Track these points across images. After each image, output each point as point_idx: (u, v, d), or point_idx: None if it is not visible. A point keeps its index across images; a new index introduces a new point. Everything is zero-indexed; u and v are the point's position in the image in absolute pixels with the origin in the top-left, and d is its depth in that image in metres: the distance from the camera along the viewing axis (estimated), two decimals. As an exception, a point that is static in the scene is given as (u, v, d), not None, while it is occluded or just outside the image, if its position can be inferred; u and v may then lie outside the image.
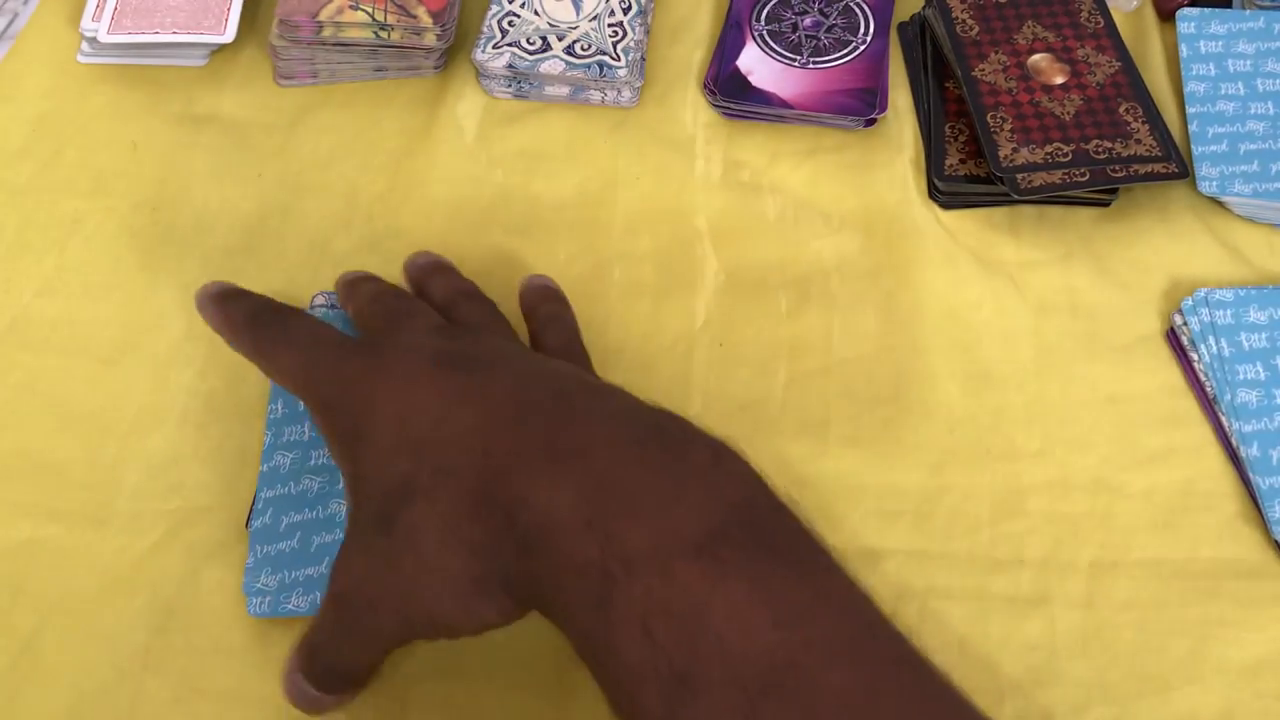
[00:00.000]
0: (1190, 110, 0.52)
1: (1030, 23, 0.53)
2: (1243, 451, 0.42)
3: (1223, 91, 0.52)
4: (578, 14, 0.53)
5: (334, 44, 0.52)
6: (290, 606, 0.38)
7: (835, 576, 0.29)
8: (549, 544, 0.29)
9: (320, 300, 0.45)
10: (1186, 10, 0.54)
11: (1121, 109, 0.50)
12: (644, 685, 0.27)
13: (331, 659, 0.33)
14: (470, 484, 0.30)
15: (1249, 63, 0.52)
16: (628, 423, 0.31)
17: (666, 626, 0.27)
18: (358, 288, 0.41)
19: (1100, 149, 0.48)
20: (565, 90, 0.53)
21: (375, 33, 0.51)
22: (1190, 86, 0.52)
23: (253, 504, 0.40)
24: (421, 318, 0.38)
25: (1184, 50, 0.53)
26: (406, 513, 0.31)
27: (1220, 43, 0.53)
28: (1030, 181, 0.47)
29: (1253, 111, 0.51)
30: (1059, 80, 0.51)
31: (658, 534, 0.28)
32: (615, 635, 0.27)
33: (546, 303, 0.43)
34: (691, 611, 0.26)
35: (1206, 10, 0.54)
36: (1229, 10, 0.54)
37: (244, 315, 0.38)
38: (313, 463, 0.41)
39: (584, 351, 0.41)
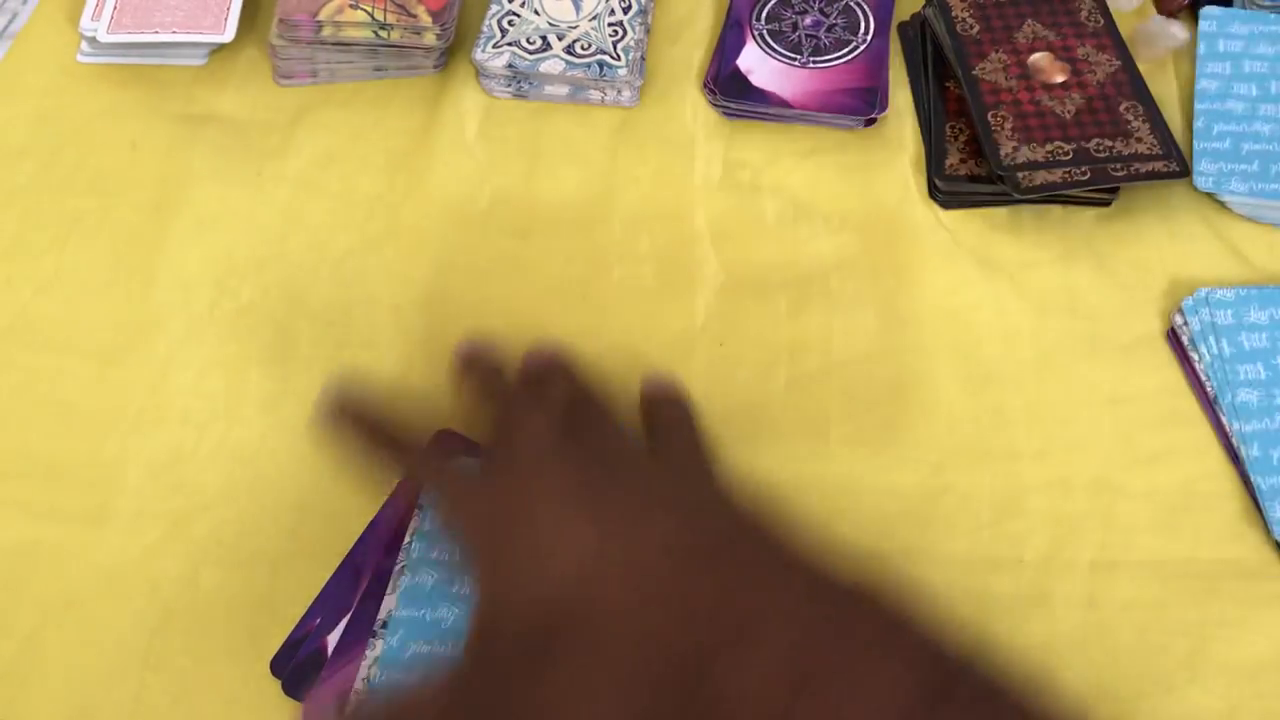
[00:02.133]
0: (1199, 106, 0.51)
1: (1030, 21, 0.53)
2: (1243, 451, 0.42)
3: (1234, 91, 0.52)
4: (578, 13, 0.53)
5: (334, 43, 0.51)
6: None
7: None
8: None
9: None
10: (1209, 9, 0.54)
11: (1122, 107, 0.50)
12: None
13: None
14: (628, 648, 0.26)
15: (1266, 65, 0.52)
16: (807, 581, 0.28)
17: None
18: (474, 370, 0.36)
19: (1101, 147, 0.48)
20: (565, 90, 0.53)
21: (375, 32, 0.51)
22: (1202, 84, 0.52)
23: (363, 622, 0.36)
24: (541, 417, 0.33)
25: (1202, 47, 0.53)
26: (550, 670, 0.26)
27: (1240, 43, 0.53)
28: (1031, 180, 0.47)
29: (1262, 113, 0.51)
30: (1059, 79, 0.51)
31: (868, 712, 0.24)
32: None
33: (669, 405, 0.37)
34: None
35: (1230, 10, 0.54)
36: (1253, 12, 0.54)
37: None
38: (455, 589, 0.37)
39: (712, 463, 0.35)
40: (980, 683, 0.25)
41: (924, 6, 0.55)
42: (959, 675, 0.25)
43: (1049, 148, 0.48)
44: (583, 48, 0.52)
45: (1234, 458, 0.43)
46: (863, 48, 0.53)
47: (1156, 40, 0.54)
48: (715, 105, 0.53)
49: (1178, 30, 0.54)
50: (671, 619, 0.26)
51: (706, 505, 0.31)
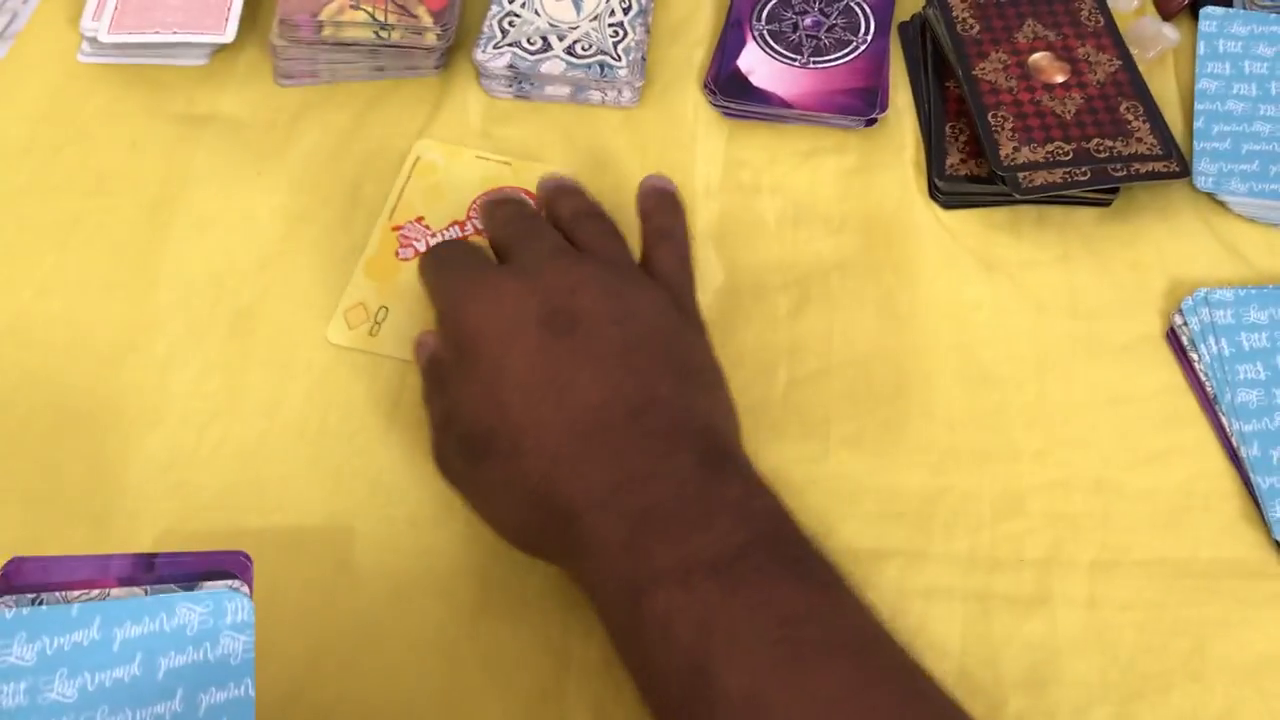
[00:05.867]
0: (1199, 107, 0.52)
1: (1030, 21, 0.53)
2: (1243, 451, 0.42)
3: (1234, 91, 0.52)
4: (578, 14, 0.53)
5: (334, 44, 0.51)
6: None
7: (842, 592, 0.32)
8: (594, 555, 0.34)
9: None
10: (1210, 9, 0.54)
11: (1122, 107, 0.50)
12: (666, 678, 0.31)
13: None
14: (536, 480, 0.35)
15: (1266, 65, 0.52)
16: (685, 447, 0.35)
17: (685, 628, 0.30)
18: (494, 212, 0.43)
19: (1101, 147, 0.48)
20: (566, 90, 0.53)
21: (375, 32, 0.51)
22: (1202, 84, 0.52)
23: None
24: (546, 239, 0.40)
25: (1201, 47, 0.53)
26: (484, 463, 0.36)
27: (1240, 43, 0.53)
28: (1031, 180, 0.47)
29: (1262, 113, 0.51)
30: (1059, 79, 0.51)
31: (684, 556, 0.32)
32: (643, 635, 0.31)
33: (661, 213, 0.43)
34: (707, 615, 0.30)
35: (1230, 10, 0.54)
36: (1254, 12, 0.54)
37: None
38: None
39: (691, 274, 0.42)
40: (777, 554, 0.32)
41: (924, 6, 0.55)
42: (763, 544, 0.32)
43: (1049, 148, 0.48)
44: (583, 48, 0.52)
45: (1234, 457, 0.43)
46: (863, 48, 0.53)
47: (1149, 41, 0.54)
48: (715, 105, 0.53)
49: (1169, 31, 0.54)
50: (560, 474, 0.34)
51: (638, 360, 0.36)
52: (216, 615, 0.31)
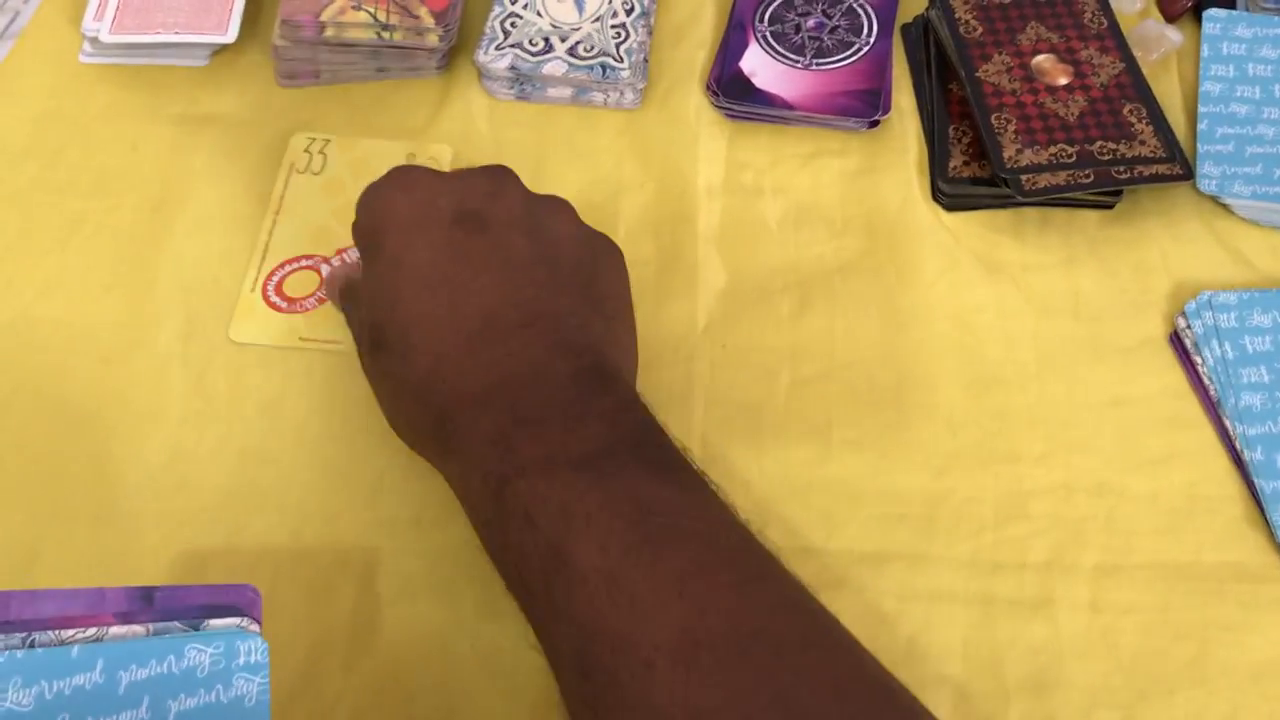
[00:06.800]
0: (1202, 109, 0.51)
1: (1034, 24, 0.53)
2: (1246, 455, 0.42)
3: (1238, 94, 0.52)
4: (580, 15, 0.53)
5: (336, 44, 0.51)
6: None
7: (706, 495, 0.33)
8: (464, 450, 0.34)
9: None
10: (1214, 11, 0.54)
11: (1125, 110, 0.49)
12: (528, 560, 0.32)
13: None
14: (420, 376, 0.35)
15: (1270, 68, 0.52)
16: (570, 360, 0.35)
17: (545, 514, 0.31)
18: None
19: (1104, 150, 0.48)
20: (568, 92, 0.53)
21: (377, 33, 0.51)
22: (1206, 86, 0.52)
23: None
24: (484, 173, 0.40)
25: (1205, 50, 0.53)
26: (379, 355, 0.37)
27: (1244, 46, 0.53)
28: (1034, 183, 0.47)
29: (1265, 116, 0.51)
30: (1063, 81, 0.51)
31: (550, 451, 0.32)
32: (506, 522, 0.32)
33: None
34: (568, 501, 0.31)
35: (1234, 13, 0.54)
36: (1258, 15, 0.54)
37: None
38: None
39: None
40: (644, 456, 0.33)
41: (927, 8, 0.55)
42: (630, 446, 0.33)
43: (1052, 150, 0.48)
44: (585, 50, 0.52)
45: (1237, 461, 0.43)
46: (866, 50, 0.53)
47: (1152, 43, 0.54)
48: (718, 107, 0.53)
49: (1173, 34, 0.54)
50: (441, 372, 0.35)
51: (535, 275, 0.37)
52: (229, 656, 0.30)
